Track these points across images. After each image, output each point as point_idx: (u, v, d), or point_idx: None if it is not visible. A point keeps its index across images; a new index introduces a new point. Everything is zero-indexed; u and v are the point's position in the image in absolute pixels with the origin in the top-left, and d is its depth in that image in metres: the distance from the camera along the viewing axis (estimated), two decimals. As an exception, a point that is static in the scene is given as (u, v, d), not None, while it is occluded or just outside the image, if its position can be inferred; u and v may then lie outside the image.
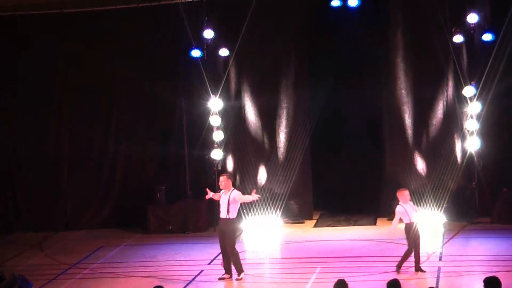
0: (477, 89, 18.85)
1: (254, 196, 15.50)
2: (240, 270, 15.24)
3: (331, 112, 20.70)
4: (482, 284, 8.99)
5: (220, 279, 15.27)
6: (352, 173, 20.97)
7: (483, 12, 19.14)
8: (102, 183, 20.96)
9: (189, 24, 19.44)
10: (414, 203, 15.71)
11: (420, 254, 15.14)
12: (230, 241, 15.22)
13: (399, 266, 15.05)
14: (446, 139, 19.39)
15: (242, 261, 15.58)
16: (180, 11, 19.39)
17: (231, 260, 15.25)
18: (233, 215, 15.24)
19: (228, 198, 15.22)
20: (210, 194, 15.78)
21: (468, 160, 19.21)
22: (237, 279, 15.21)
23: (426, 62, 19.63)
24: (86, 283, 15.59)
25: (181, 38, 20.04)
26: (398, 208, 15.08)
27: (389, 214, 19.72)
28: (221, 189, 15.44)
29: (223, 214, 15.27)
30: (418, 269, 15.04)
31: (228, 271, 15.30)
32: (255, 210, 19.45)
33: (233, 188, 15.45)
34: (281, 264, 15.96)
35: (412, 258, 15.09)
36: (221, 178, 15.50)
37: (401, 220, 15.06)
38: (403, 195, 15.16)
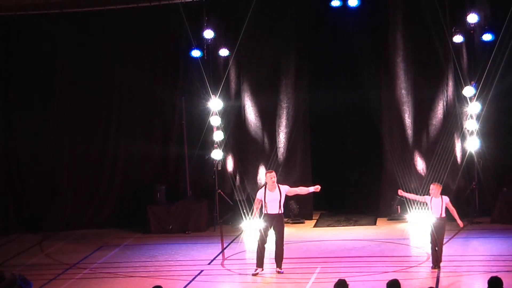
0: (477, 89, 18.85)
1: (316, 188, 15.59)
2: (281, 263, 15.43)
3: (331, 112, 20.72)
4: (482, 284, 8.99)
5: (254, 274, 15.31)
6: (352, 173, 20.98)
7: (483, 12, 19.15)
8: (102, 183, 20.93)
9: (189, 24, 19.43)
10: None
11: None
12: (282, 236, 15.36)
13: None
14: (446, 139, 19.39)
15: (242, 261, 15.54)
16: (180, 11, 19.38)
17: (279, 253, 15.34)
18: (283, 209, 15.44)
19: (279, 195, 15.28)
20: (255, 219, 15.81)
21: (468, 160, 19.21)
22: (278, 271, 15.32)
23: (426, 62, 19.62)
24: (86, 283, 15.57)
25: (181, 38, 20.04)
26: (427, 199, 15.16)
27: (389, 214, 19.77)
28: (263, 186, 15.46)
29: (274, 210, 15.29)
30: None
31: (261, 265, 15.37)
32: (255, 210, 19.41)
33: (277, 184, 15.46)
34: (282, 263, 15.90)
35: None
36: (271, 174, 15.46)
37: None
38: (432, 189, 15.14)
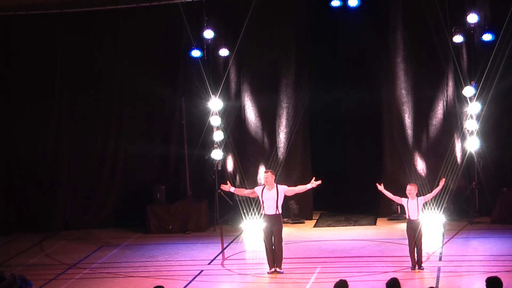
0: (477, 89, 18.85)
1: (312, 184, 15.48)
2: (281, 263, 15.40)
3: (331, 112, 20.72)
4: (482, 284, 8.98)
5: (269, 273, 15.33)
6: (352, 173, 20.99)
7: (483, 12, 19.16)
8: (102, 183, 20.95)
9: (189, 24, 19.45)
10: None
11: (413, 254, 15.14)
12: (280, 237, 15.30)
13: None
14: (446, 139, 19.40)
15: (242, 261, 15.51)
16: (180, 11, 19.39)
17: (277, 254, 15.32)
18: (280, 210, 15.37)
19: (276, 194, 15.25)
20: (231, 189, 15.80)
21: (468, 160, 19.22)
22: (278, 271, 15.29)
23: (426, 62, 19.63)
24: (86, 283, 15.58)
25: (181, 38, 20.05)
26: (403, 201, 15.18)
27: (389, 214, 19.78)
28: (263, 185, 15.46)
29: (271, 210, 15.27)
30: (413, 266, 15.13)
31: (273, 265, 15.37)
32: (255, 210, 19.44)
33: (275, 183, 15.45)
34: (282, 264, 15.92)
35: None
36: (267, 174, 15.46)
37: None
38: (409, 190, 15.16)
